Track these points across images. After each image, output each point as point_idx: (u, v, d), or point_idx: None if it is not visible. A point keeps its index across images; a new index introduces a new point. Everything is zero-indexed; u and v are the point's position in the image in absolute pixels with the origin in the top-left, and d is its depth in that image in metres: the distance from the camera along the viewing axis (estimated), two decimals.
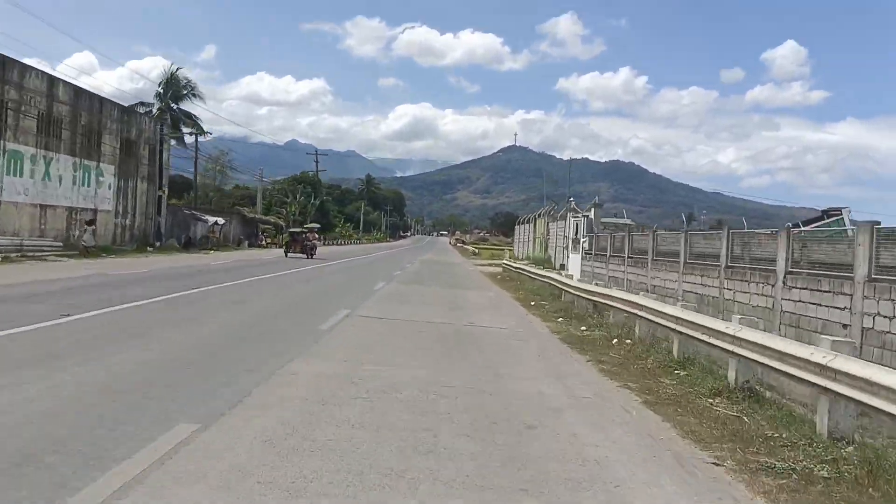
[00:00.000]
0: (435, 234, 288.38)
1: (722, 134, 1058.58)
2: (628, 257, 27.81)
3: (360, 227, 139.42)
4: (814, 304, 14.03)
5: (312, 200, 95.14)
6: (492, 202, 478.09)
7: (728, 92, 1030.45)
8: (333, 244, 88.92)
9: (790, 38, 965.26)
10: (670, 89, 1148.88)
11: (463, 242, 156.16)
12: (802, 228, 20.21)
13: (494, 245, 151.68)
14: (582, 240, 38.02)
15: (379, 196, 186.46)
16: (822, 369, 6.36)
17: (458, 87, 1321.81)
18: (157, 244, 43.13)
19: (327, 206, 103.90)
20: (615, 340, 12.40)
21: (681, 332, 10.10)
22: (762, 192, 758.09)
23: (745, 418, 7.14)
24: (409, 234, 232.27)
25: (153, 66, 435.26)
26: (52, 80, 34.53)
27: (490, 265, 51.28)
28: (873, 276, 12.16)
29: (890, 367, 6.63)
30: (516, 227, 77.58)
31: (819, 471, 5.51)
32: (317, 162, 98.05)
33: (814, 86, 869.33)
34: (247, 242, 61.25)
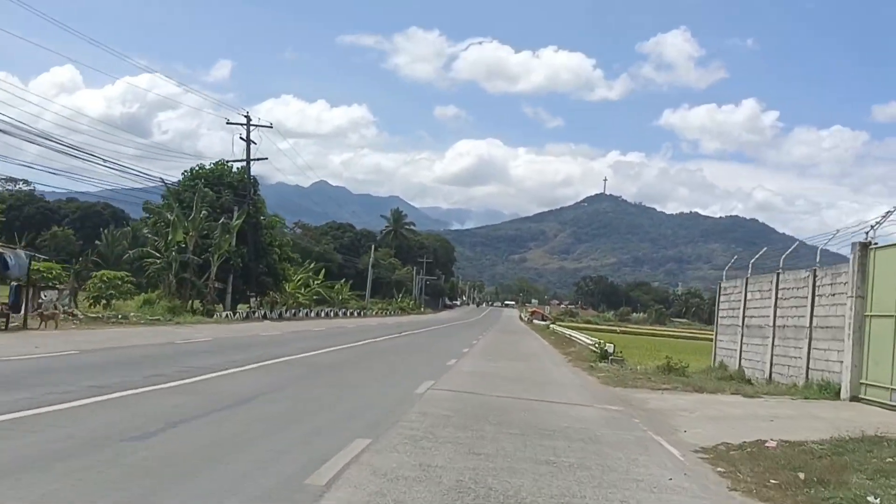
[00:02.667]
0: (499, 303, 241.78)
1: (872, 187, 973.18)
2: None
3: (368, 288, 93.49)
4: None
5: (235, 223, 50.34)
6: (572, 265, 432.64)
7: (882, 133, 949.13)
8: (278, 317, 44.74)
9: None
10: (807, 129, 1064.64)
11: (543, 318, 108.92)
12: None
13: (591, 323, 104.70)
14: None
15: (413, 244, 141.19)
16: None
17: (535, 121, 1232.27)
18: None
19: (270, 241, 58.34)
20: None
21: None
22: None
23: None
24: (458, 302, 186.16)
25: (152, 84, 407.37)
26: None
27: None
28: None
29: None
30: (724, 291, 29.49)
31: None
32: (248, 141, 52.90)
33: None
34: None
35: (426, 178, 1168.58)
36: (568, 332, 57.47)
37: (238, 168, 56.49)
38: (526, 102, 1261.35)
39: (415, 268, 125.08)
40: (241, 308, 52.59)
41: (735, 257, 32.80)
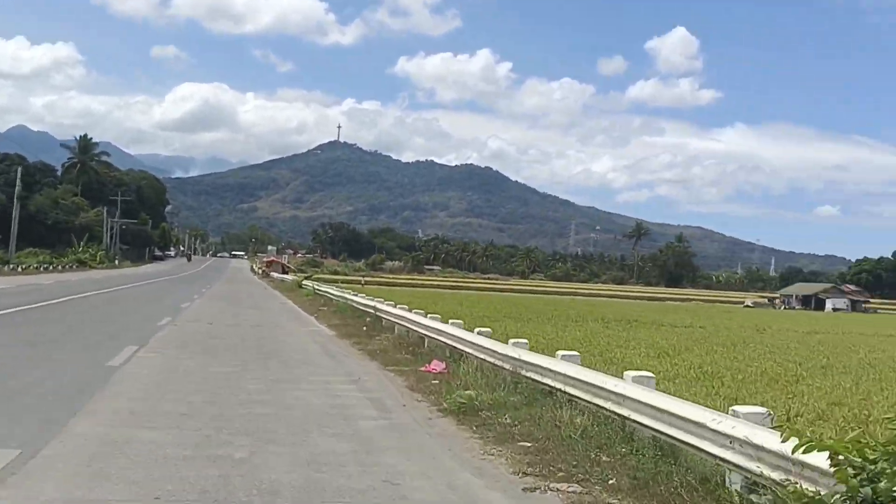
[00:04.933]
0: (226, 253, 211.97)
1: (598, 137, 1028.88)
2: None
3: (13, 234, 63.57)
4: None
5: None
6: (306, 214, 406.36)
7: (607, 87, 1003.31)
8: None
9: (680, 25, 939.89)
10: (539, 80, 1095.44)
11: (284, 269, 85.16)
12: None
13: (340, 274, 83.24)
14: None
15: (107, 181, 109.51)
16: None
17: (265, 65, 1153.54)
18: None
19: None
20: None
21: None
22: (642, 208, 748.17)
23: None
24: (173, 252, 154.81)
25: None
26: None
27: None
28: None
29: None
30: None
31: None
32: None
33: (704, 84, 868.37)
34: None
35: (144, 123, 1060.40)
36: (335, 292, 34.58)
37: None
38: (254, 45, 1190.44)
39: (106, 208, 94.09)
40: None
41: None
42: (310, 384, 11.30)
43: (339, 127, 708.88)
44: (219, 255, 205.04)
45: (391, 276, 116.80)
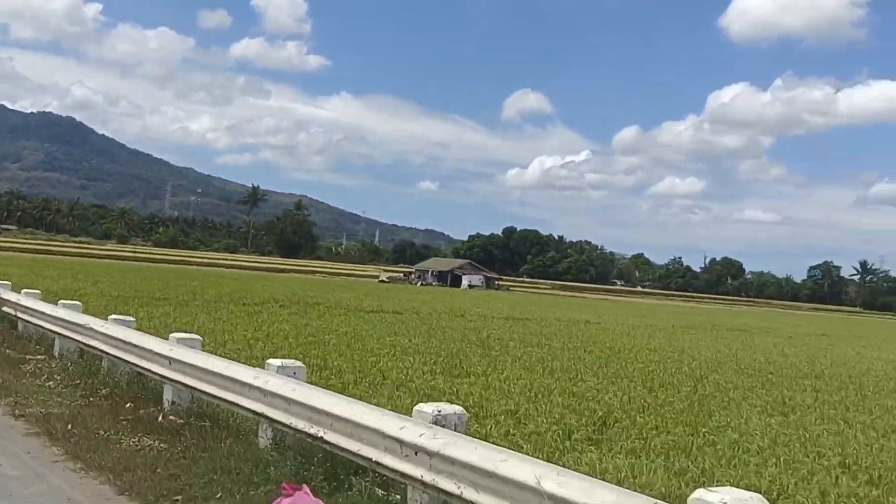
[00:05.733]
0: None
1: (198, 94, 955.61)
2: None
3: None
4: None
5: None
6: None
7: (209, 41, 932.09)
8: None
9: None
10: (133, 26, 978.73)
11: None
12: None
13: None
14: None
15: None
16: None
17: None
18: None
19: None
20: None
21: None
22: (245, 172, 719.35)
23: None
24: None
25: None
26: None
27: None
28: None
29: None
30: None
31: None
32: None
33: (312, 49, 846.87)
34: None
35: None
36: None
37: None
38: None
39: None
40: None
41: None
42: None
43: None
44: None
45: None
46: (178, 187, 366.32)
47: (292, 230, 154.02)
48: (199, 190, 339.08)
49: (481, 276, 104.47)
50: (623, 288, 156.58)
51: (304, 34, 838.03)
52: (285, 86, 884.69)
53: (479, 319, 30.92)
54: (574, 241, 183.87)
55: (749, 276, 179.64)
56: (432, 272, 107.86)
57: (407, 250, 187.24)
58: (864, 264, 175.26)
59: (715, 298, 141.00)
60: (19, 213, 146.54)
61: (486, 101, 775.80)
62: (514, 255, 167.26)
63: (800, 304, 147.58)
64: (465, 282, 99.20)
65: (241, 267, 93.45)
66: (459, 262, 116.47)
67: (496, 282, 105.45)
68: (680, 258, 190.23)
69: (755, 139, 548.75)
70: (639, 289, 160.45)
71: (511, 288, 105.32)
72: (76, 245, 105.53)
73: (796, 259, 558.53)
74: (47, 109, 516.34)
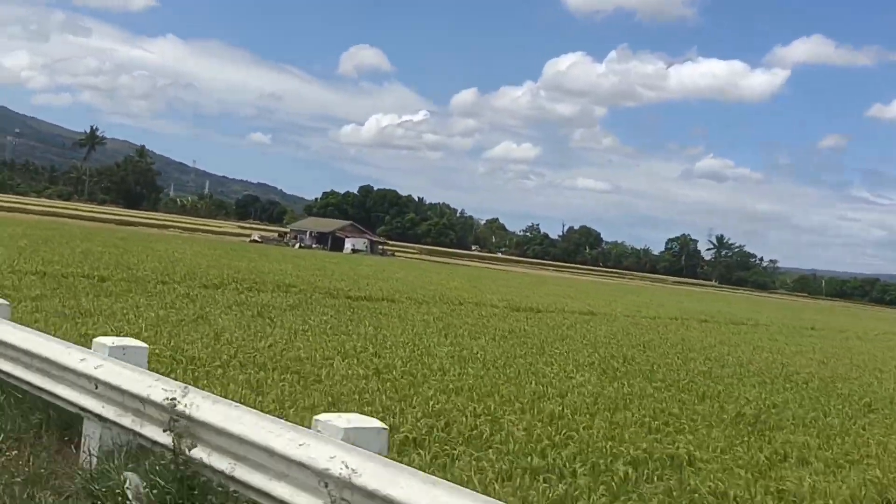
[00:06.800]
0: None
1: (12, 28, 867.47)
2: None
3: None
4: None
5: None
6: None
7: None
8: None
9: None
10: None
11: None
12: None
13: None
14: None
15: None
16: None
17: None
18: None
19: None
20: None
21: None
22: (62, 114, 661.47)
23: None
24: None
25: None
26: None
27: None
28: None
29: None
30: None
31: None
32: None
33: None
34: None
35: None
36: None
37: None
38: None
39: None
40: None
41: None
42: None
43: None
44: None
45: None
46: None
47: (134, 179, 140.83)
48: (17, 130, 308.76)
49: (365, 240, 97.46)
50: (485, 254, 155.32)
51: None
52: (107, 25, 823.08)
53: (505, 311, 25.44)
54: (434, 203, 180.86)
55: (606, 246, 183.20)
56: (310, 233, 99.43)
57: (251, 205, 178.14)
58: (720, 239, 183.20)
59: (578, 268, 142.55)
60: None
61: (321, 53, 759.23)
62: (370, 215, 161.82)
63: (664, 277, 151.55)
64: (348, 245, 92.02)
65: (83, 217, 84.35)
66: (340, 223, 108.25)
67: (381, 246, 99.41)
68: (537, 224, 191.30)
69: (589, 109, 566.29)
70: (499, 255, 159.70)
71: (396, 253, 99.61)
72: None
73: (629, 229, 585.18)
74: None
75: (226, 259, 35.95)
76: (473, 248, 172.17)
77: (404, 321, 17.89)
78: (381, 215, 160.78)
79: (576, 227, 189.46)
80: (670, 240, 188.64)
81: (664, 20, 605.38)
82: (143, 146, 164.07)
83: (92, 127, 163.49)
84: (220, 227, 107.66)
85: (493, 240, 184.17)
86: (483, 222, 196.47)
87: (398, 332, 15.34)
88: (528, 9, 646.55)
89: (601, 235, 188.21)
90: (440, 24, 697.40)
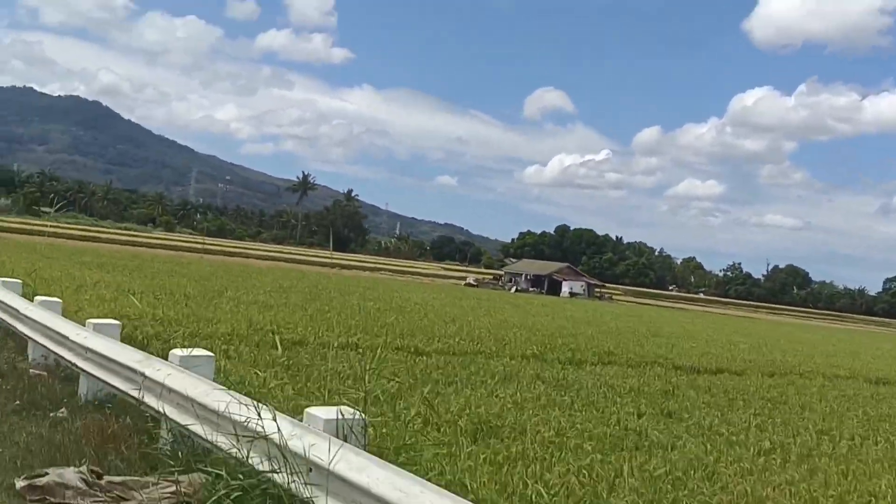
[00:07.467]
0: None
1: (223, 84, 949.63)
2: None
3: None
4: None
5: None
6: None
7: (236, 31, 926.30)
8: None
9: None
10: (162, 14, 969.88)
11: None
12: None
13: None
14: None
15: None
16: None
17: None
18: None
19: None
20: None
21: None
22: (267, 162, 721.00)
23: None
24: None
25: None
26: None
27: None
28: None
29: None
30: None
31: None
32: None
33: (338, 42, 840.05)
34: None
35: None
36: None
37: None
38: None
39: None
40: None
41: None
42: None
43: None
44: None
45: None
46: (202, 175, 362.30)
47: (343, 222, 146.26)
48: (228, 178, 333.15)
49: (583, 283, 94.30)
50: (685, 294, 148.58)
51: (329, 27, 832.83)
52: (309, 78, 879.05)
53: None
54: (630, 241, 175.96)
55: (815, 286, 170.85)
56: (526, 276, 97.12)
57: (446, 246, 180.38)
58: None
59: (790, 310, 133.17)
60: (52, 196, 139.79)
61: (506, 97, 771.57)
62: (566, 255, 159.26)
63: (886, 320, 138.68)
64: (565, 288, 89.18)
65: (306, 262, 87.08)
66: (556, 265, 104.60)
67: (598, 289, 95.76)
68: (739, 264, 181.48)
69: (777, 143, 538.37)
70: (701, 295, 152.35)
71: (614, 297, 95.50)
72: (124, 232, 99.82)
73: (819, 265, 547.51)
74: (75, 93, 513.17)
75: (506, 314, 30.49)
76: (670, 287, 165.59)
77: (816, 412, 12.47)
78: (579, 255, 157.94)
79: (781, 266, 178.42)
80: (888, 279, 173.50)
81: (857, 51, 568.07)
82: (350, 190, 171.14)
83: (304, 173, 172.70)
84: (426, 269, 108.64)
85: (693, 279, 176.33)
86: (679, 261, 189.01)
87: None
88: (712, 46, 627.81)
89: (809, 275, 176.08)
90: (622, 65, 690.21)
